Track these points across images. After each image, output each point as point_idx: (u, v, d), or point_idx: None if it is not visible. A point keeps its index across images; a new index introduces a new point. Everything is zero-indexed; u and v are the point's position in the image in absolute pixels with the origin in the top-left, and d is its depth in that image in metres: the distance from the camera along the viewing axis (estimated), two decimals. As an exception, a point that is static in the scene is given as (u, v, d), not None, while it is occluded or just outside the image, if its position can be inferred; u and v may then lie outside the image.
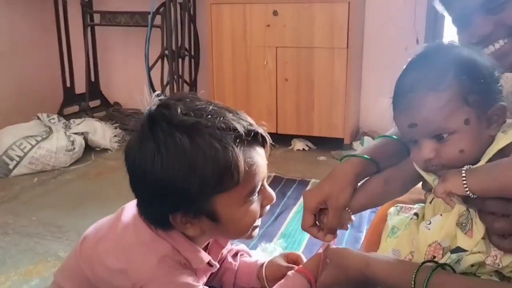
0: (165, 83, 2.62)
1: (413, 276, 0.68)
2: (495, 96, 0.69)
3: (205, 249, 0.90)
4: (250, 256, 1.05)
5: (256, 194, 0.79)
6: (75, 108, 2.90)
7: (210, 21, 2.45)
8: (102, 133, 2.47)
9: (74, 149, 2.27)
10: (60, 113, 2.73)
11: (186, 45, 2.72)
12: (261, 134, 0.78)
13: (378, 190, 0.87)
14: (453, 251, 0.69)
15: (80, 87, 2.91)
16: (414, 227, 0.77)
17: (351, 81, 2.33)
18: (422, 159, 0.71)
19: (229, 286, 0.99)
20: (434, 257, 0.70)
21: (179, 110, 0.74)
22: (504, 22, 0.80)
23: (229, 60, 2.48)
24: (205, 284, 0.86)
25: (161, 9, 2.54)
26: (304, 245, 1.52)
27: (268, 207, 0.84)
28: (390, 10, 2.50)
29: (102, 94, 3.07)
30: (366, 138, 2.42)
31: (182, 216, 0.76)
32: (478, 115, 0.68)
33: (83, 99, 2.86)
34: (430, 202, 0.79)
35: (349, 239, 1.42)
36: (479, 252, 0.69)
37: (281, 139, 2.46)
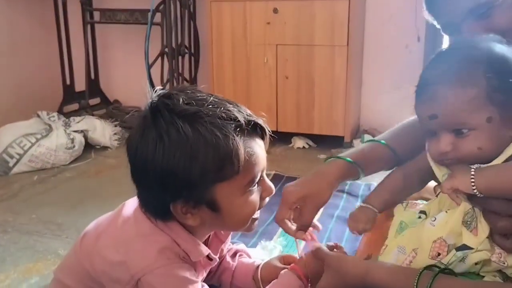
0: (165, 80, 2.62)
1: (415, 282, 0.68)
2: None
3: (205, 243, 0.90)
4: (249, 256, 1.05)
5: (256, 185, 0.80)
6: (75, 106, 2.89)
7: (210, 19, 2.44)
8: (102, 131, 2.46)
9: (74, 147, 2.26)
10: (60, 111, 2.73)
11: (186, 43, 2.72)
12: (260, 126, 0.79)
13: (399, 185, 0.87)
14: (458, 248, 0.69)
15: (80, 85, 2.90)
16: (422, 227, 0.76)
17: (351, 79, 2.32)
18: (438, 151, 0.71)
19: (227, 285, 1.00)
20: (439, 254, 0.70)
21: (181, 100, 0.75)
22: (494, 27, 0.80)
23: (229, 57, 2.47)
24: (204, 283, 0.86)
25: (161, 7, 2.54)
26: (303, 243, 1.52)
27: (267, 199, 0.85)
28: (390, 8, 2.49)
29: (102, 92, 3.06)
30: (366, 136, 2.42)
31: (182, 206, 0.77)
32: (501, 115, 0.67)
33: (83, 97, 2.86)
34: (437, 196, 0.78)
35: (349, 237, 1.42)
36: (484, 250, 0.68)
37: (281, 137, 2.46)
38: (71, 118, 2.46)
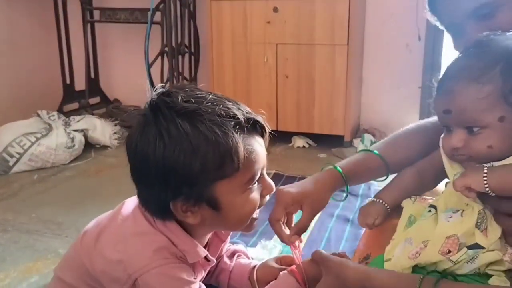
0: (165, 80, 2.61)
1: None
2: None
3: (205, 243, 0.90)
4: (247, 257, 1.05)
5: (256, 183, 0.80)
6: (75, 105, 2.89)
7: (210, 18, 2.44)
8: (102, 130, 2.46)
9: (73, 146, 2.26)
10: (59, 110, 2.73)
11: (186, 42, 2.71)
12: (260, 124, 0.79)
13: (412, 183, 0.88)
14: (470, 247, 0.69)
15: (80, 84, 2.90)
16: (432, 221, 0.76)
17: (351, 78, 2.32)
18: (450, 146, 0.71)
19: (224, 286, 1.00)
20: (450, 251, 0.70)
21: (180, 98, 0.75)
22: (497, 28, 0.80)
23: (229, 57, 2.47)
24: (203, 283, 0.86)
25: (161, 6, 2.54)
26: (304, 242, 1.52)
27: (267, 197, 0.84)
28: (391, 7, 2.49)
29: (102, 91, 3.06)
30: (366, 135, 2.41)
31: (183, 204, 0.77)
32: None
33: (83, 96, 2.86)
34: (443, 192, 0.79)
35: (349, 236, 1.42)
36: (496, 250, 0.69)
37: (282, 136, 2.45)
38: (71, 117, 2.46)
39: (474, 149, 0.69)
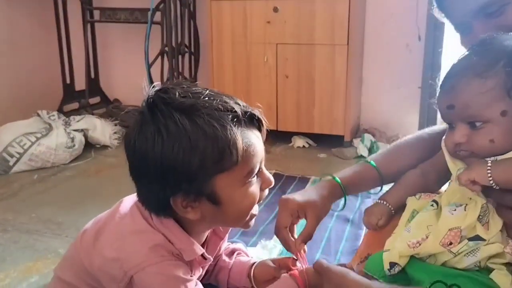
0: (165, 79, 2.61)
1: None
2: None
3: (204, 242, 0.90)
4: (246, 255, 1.05)
5: (255, 177, 0.80)
6: (75, 105, 2.89)
7: (210, 18, 2.44)
8: (102, 130, 2.46)
9: (74, 146, 2.26)
10: (60, 110, 2.73)
11: (186, 42, 2.71)
12: (257, 118, 0.79)
13: (416, 184, 0.89)
14: (471, 239, 0.70)
15: (80, 84, 2.90)
16: (433, 215, 0.77)
17: (351, 78, 2.32)
18: (453, 142, 0.72)
19: (224, 284, 1.00)
20: (451, 243, 0.71)
21: (177, 94, 0.75)
22: (505, 25, 0.80)
23: (229, 57, 2.47)
24: (202, 282, 0.86)
25: (161, 6, 2.54)
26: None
27: (267, 191, 0.84)
28: (391, 7, 2.49)
29: (102, 91, 3.06)
30: (366, 135, 2.41)
31: (183, 199, 0.77)
32: None
33: (83, 96, 2.86)
34: (445, 190, 0.79)
35: (349, 236, 1.42)
36: (496, 242, 0.69)
37: (281, 136, 2.46)
38: (71, 117, 2.46)
39: (476, 144, 0.69)
